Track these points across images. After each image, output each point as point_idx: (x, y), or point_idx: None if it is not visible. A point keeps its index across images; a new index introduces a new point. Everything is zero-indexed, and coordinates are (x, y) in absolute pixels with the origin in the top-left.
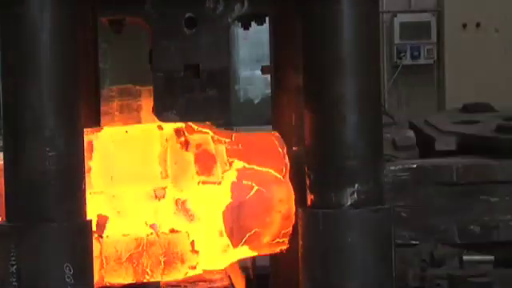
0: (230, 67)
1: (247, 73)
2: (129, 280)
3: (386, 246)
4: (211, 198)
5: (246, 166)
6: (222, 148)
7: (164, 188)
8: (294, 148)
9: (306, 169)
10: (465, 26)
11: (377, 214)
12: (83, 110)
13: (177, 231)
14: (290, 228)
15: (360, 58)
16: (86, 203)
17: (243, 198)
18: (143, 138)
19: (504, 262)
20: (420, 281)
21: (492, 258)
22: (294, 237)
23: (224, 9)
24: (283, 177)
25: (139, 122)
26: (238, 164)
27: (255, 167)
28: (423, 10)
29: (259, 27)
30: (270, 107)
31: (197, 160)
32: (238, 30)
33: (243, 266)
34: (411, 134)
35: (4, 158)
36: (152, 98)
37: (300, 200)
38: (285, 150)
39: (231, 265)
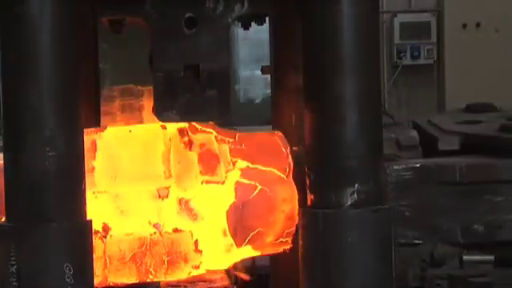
0: (230, 67)
1: (247, 73)
2: (132, 280)
3: (386, 246)
4: (215, 198)
5: (250, 165)
6: (226, 148)
7: (167, 187)
8: (294, 148)
9: (306, 169)
10: (465, 26)
11: (377, 213)
12: (83, 110)
13: (180, 231)
14: (294, 228)
15: (360, 58)
16: (85, 203)
17: (247, 198)
18: (147, 138)
19: (508, 262)
20: (420, 281)
21: (492, 257)
22: (296, 237)
23: (224, 9)
24: (287, 176)
25: (141, 121)
26: (242, 164)
27: (259, 167)
28: (423, 10)
29: (259, 27)
30: (270, 107)
31: (200, 159)
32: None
33: (243, 266)
34: (414, 133)
35: (4, 158)
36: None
37: (302, 200)
38: (288, 150)
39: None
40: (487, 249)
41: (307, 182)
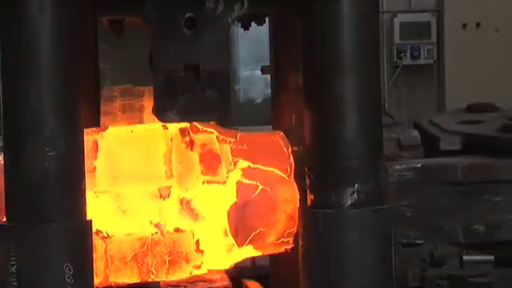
0: (230, 67)
1: (247, 73)
2: (134, 280)
3: (386, 246)
4: (216, 198)
5: (251, 165)
6: (227, 148)
7: (169, 187)
8: (294, 148)
9: (306, 169)
10: (465, 26)
11: (377, 213)
12: (83, 110)
13: (182, 231)
14: (295, 228)
15: (360, 58)
16: (85, 203)
17: (248, 198)
18: (148, 138)
19: (508, 262)
20: (420, 281)
21: (492, 257)
22: (297, 237)
23: (224, 9)
24: (288, 176)
25: (142, 122)
26: (243, 163)
27: (260, 167)
28: (423, 10)
29: (259, 27)
30: (270, 107)
31: (201, 159)
32: (238, 30)
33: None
34: (416, 133)
35: (4, 158)
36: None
37: (303, 200)
38: (290, 150)
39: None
40: (488, 249)
41: (307, 181)
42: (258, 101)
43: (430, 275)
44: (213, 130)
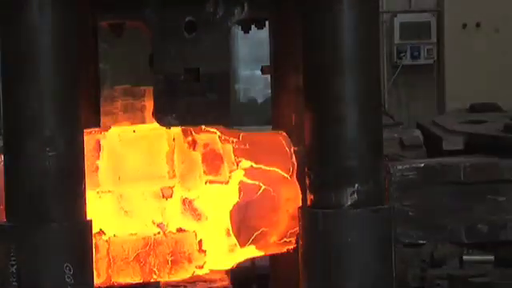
0: (230, 71)
1: (247, 73)
2: (136, 280)
3: (386, 246)
4: (218, 198)
5: (254, 165)
6: (230, 147)
7: (171, 187)
8: (294, 148)
9: (306, 169)
10: (465, 26)
11: (377, 213)
12: (83, 110)
13: (184, 230)
14: (297, 227)
15: (360, 58)
16: (86, 203)
17: (250, 198)
18: (151, 138)
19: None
20: (420, 281)
21: (492, 257)
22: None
23: (224, 13)
24: (290, 176)
25: (143, 122)
26: (246, 163)
27: (262, 167)
28: (423, 10)
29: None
30: (270, 107)
31: (204, 159)
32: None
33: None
34: (418, 133)
35: (4, 159)
36: None
37: (304, 200)
38: (292, 150)
39: None
40: (491, 249)
41: (307, 181)
42: (258, 101)
43: (430, 275)
44: (215, 130)
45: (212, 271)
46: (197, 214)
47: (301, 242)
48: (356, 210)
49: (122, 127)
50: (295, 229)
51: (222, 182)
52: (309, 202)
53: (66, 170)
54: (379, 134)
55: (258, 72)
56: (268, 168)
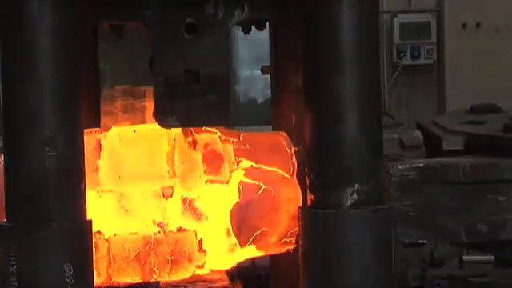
0: (230, 72)
1: (247, 73)
2: (136, 279)
3: (386, 246)
4: (219, 197)
5: (254, 165)
6: (230, 147)
7: (172, 187)
8: (294, 148)
9: (306, 169)
10: (465, 26)
11: (377, 213)
12: (83, 110)
13: (184, 230)
14: (297, 227)
15: (360, 58)
16: (86, 203)
17: (251, 198)
18: (151, 138)
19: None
20: (420, 281)
21: (492, 257)
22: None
23: (224, 14)
24: (291, 176)
25: (143, 122)
26: (246, 163)
27: (263, 167)
28: (423, 10)
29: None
30: (270, 107)
31: (204, 159)
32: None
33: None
34: (418, 133)
35: (4, 159)
36: None
37: (304, 200)
38: (292, 150)
39: None
40: (490, 248)
41: (307, 181)
42: (258, 101)
43: (430, 275)
44: (215, 130)
45: (212, 271)
46: (197, 214)
47: (301, 242)
48: (356, 210)
49: (122, 127)
50: (295, 229)
51: (222, 182)
52: (309, 202)
53: (66, 170)
54: (379, 134)
55: (258, 72)
56: (268, 168)
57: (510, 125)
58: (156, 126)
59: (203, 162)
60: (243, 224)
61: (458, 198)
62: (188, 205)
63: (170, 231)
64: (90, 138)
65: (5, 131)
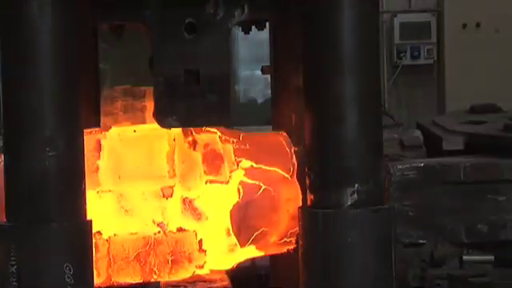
0: (230, 73)
1: (247, 73)
2: (136, 279)
3: (386, 246)
4: (219, 197)
5: (254, 165)
6: (230, 148)
7: (172, 187)
8: (294, 148)
9: (306, 169)
10: (465, 26)
11: (377, 213)
12: (83, 110)
13: (184, 230)
14: (297, 227)
15: (360, 58)
16: (86, 203)
17: (251, 198)
18: (151, 138)
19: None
20: (420, 281)
21: (492, 257)
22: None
23: (224, 14)
24: (291, 176)
25: (144, 122)
26: (246, 163)
27: (263, 167)
28: (423, 10)
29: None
30: (270, 107)
31: (204, 159)
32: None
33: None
34: (418, 133)
35: (4, 159)
36: None
37: (304, 200)
38: (292, 150)
39: None
40: (490, 248)
41: (307, 181)
42: (258, 101)
43: (430, 275)
44: (215, 130)
45: (212, 271)
46: (197, 214)
47: (301, 242)
48: (356, 210)
49: (122, 127)
50: (295, 229)
51: (222, 182)
52: (309, 202)
53: (66, 170)
54: (379, 134)
55: (258, 72)
56: (268, 168)
57: (510, 125)
58: (156, 125)
59: (203, 162)
60: (243, 224)
61: (458, 197)
62: (188, 205)
63: (169, 231)
64: (89, 137)
65: (5, 131)
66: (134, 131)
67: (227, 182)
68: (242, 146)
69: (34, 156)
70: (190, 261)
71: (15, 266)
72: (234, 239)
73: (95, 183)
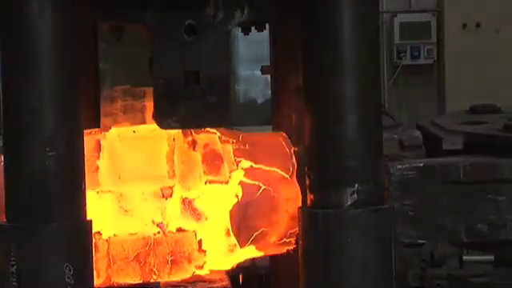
0: (230, 74)
1: (247, 73)
2: (136, 280)
3: (386, 246)
4: (218, 198)
5: (253, 165)
6: (230, 148)
7: (171, 187)
8: (294, 148)
9: (306, 169)
10: (465, 26)
11: (377, 213)
12: (83, 110)
13: (184, 230)
14: (297, 227)
15: (360, 58)
16: (86, 203)
17: (250, 198)
18: (150, 138)
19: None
20: (420, 281)
21: (492, 258)
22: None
23: (224, 16)
24: (290, 176)
25: (143, 122)
26: (245, 163)
27: (262, 167)
28: (423, 10)
29: None
30: (270, 107)
31: (204, 159)
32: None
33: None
34: (418, 133)
35: (4, 159)
36: None
37: (304, 200)
38: (292, 150)
39: None
40: (490, 248)
41: (307, 181)
42: (258, 101)
43: (430, 275)
44: (215, 131)
45: (212, 271)
46: (197, 214)
47: (301, 242)
48: (356, 210)
49: (122, 127)
50: (295, 229)
51: (221, 182)
52: (309, 202)
53: (65, 170)
54: (379, 134)
55: (258, 72)
56: (268, 168)
57: (510, 125)
58: (156, 126)
59: (203, 162)
60: (243, 224)
61: (458, 197)
62: (188, 205)
63: (169, 231)
64: (89, 138)
65: (5, 131)
66: (134, 132)
67: (227, 183)
68: (242, 146)
69: (34, 156)
70: (189, 261)
71: (15, 266)
72: (233, 239)
73: (95, 183)
